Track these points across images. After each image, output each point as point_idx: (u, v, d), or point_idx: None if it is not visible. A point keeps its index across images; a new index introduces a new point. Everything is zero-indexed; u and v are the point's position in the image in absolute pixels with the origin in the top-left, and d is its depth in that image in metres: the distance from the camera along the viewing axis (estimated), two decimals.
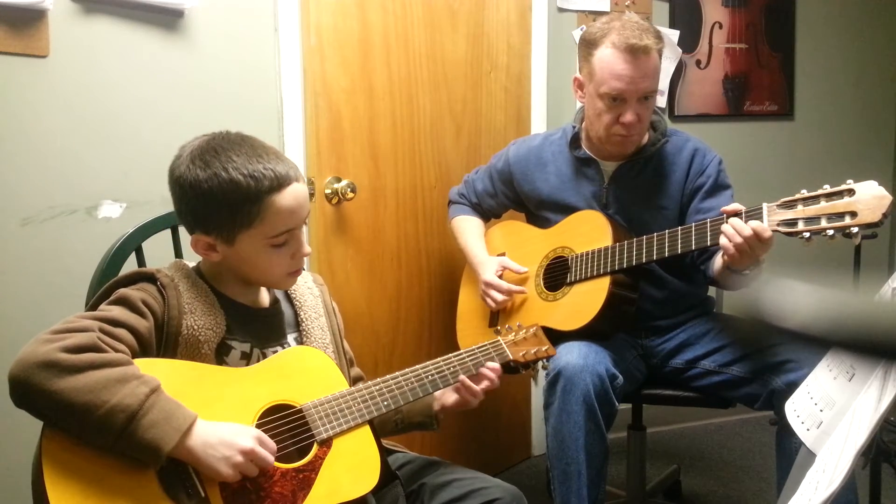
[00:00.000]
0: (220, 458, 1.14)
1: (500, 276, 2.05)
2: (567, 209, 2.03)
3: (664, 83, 2.94)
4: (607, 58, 1.85)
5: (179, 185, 1.27)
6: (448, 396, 1.50)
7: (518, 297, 2.03)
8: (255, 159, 1.26)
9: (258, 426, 1.23)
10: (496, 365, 1.49)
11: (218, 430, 1.16)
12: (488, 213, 2.26)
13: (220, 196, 1.23)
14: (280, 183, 1.26)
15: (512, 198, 2.19)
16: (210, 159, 1.25)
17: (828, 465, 0.86)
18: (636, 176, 1.98)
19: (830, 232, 1.51)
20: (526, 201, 2.15)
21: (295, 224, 1.30)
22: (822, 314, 0.56)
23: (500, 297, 2.02)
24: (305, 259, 2.11)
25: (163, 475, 1.13)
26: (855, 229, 1.49)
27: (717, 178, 1.95)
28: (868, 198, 1.49)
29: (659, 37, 1.88)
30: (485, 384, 1.47)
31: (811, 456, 0.95)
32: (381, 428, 1.50)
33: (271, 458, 1.19)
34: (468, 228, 2.22)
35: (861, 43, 3.26)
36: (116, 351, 1.15)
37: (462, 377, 1.45)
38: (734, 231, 1.61)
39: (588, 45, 1.90)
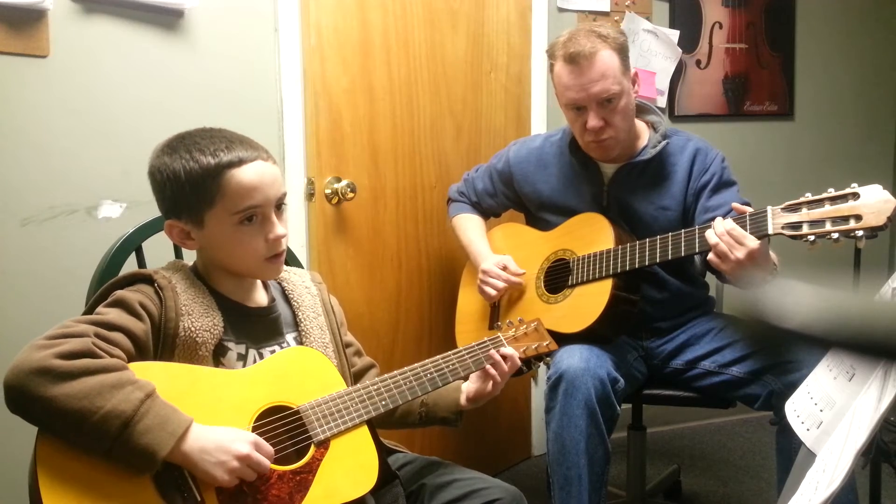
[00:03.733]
0: (216, 463, 1.14)
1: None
2: (567, 211, 2.02)
3: (663, 83, 2.94)
4: (558, 72, 1.90)
5: (150, 174, 1.31)
6: (469, 387, 1.50)
7: (519, 298, 2.03)
8: (219, 141, 1.28)
9: (255, 428, 1.23)
10: (514, 353, 1.49)
11: (214, 434, 1.15)
12: (488, 212, 2.26)
13: (183, 176, 1.26)
14: (241, 159, 1.27)
15: (512, 198, 2.19)
16: (176, 145, 1.29)
17: (828, 465, 0.86)
18: (637, 177, 1.98)
19: (835, 235, 1.51)
20: (526, 202, 2.15)
21: (260, 201, 1.28)
22: (822, 314, 0.56)
23: (500, 284, 2.01)
24: (304, 258, 2.12)
25: (158, 480, 1.13)
26: (860, 233, 1.49)
27: (721, 175, 1.95)
28: (873, 202, 1.49)
29: (608, 37, 1.86)
30: (508, 365, 1.48)
31: (811, 456, 0.95)
32: (404, 420, 1.50)
33: (268, 463, 1.18)
34: (469, 226, 2.21)
35: (861, 43, 3.26)
36: (112, 356, 1.15)
37: (492, 352, 1.45)
38: (715, 234, 1.63)
39: (549, 66, 1.95)
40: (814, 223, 1.54)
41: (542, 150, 2.11)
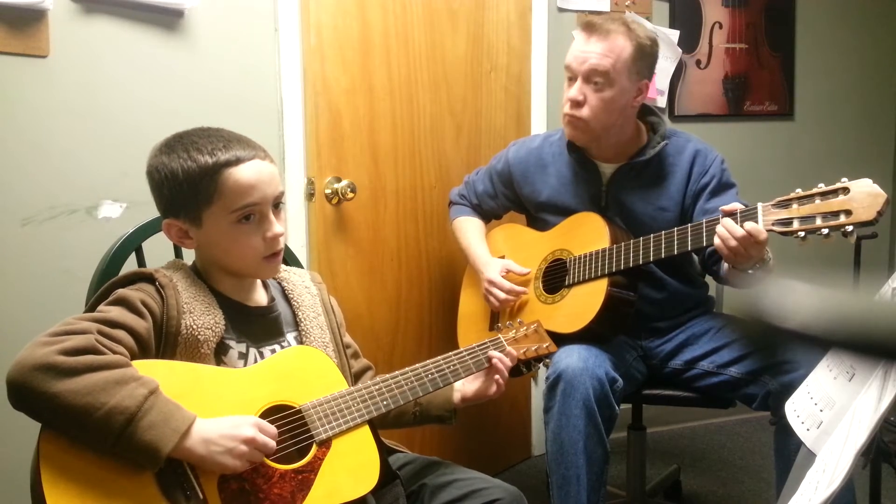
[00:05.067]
0: (224, 451, 1.14)
1: (504, 278, 2.05)
2: (566, 211, 2.02)
3: (663, 83, 2.94)
4: (574, 40, 1.91)
5: (148, 173, 1.31)
6: (468, 386, 1.51)
7: (518, 298, 2.03)
8: (216, 140, 1.29)
9: None
10: (513, 352, 1.52)
11: (217, 425, 1.16)
12: (489, 215, 2.26)
13: (181, 174, 1.26)
14: (238, 158, 1.27)
15: (512, 199, 2.19)
16: (174, 145, 1.29)
17: (828, 465, 0.86)
18: (635, 178, 1.98)
19: (825, 231, 1.51)
20: (526, 203, 2.15)
21: (257, 199, 1.28)
22: (822, 314, 0.56)
23: (502, 295, 2.01)
24: (304, 258, 2.12)
25: (160, 477, 1.13)
26: (850, 228, 1.49)
27: (721, 178, 1.95)
28: (863, 196, 1.48)
29: (634, 32, 1.85)
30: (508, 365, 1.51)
31: (811, 456, 0.95)
32: (399, 419, 1.51)
33: (273, 444, 1.19)
34: (470, 229, 2.21)
35: (861, 43, 3.26)
36: (115, 353, 1.15)
37: (492, 353, 1.48)
38: (727, 233, 1.62)
39: None
40: (804, 219, 1.54)
41: (541, 150, 2.11)
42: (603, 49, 1.84)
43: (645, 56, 1.89)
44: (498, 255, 2.14)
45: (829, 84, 3.23)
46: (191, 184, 1.26)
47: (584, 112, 1.89)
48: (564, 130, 1.99)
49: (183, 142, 1.29)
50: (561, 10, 2.76)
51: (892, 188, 3.35)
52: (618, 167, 1.98)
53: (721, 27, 3.05)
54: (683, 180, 1.96)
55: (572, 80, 1.90)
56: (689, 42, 2.99)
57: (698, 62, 3.03)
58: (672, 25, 2.95)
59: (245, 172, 1.27)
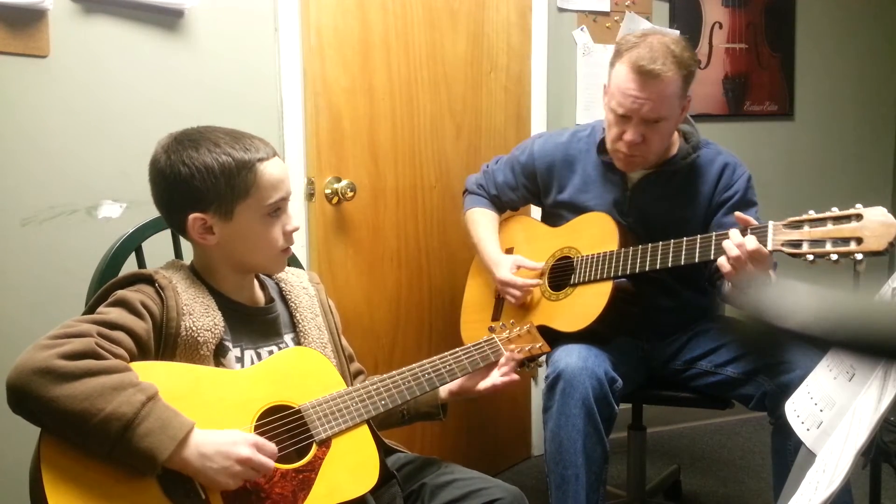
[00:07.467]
0: (219, 469, 1.14)
1: (515, 274, 2.03)
2: (586, 212, 2.00)
3: None
4: (620, 74, 1.82)
5: (171, 167, 1.28)
6: (454, 382, 1.52)
7: (532, 291, 2.02)
8: (236, 136, 1.32)
9: (257, 427, 1.23)
10: (505, 352, 1.55)
11: (214, 439, 1.15)
12: (506, 206, 2.22)
13: (217, 168, 1.27)
14: (267, 153, 1.32)
15: (533, 192, 2.15)
16: (196, 138, 1.30)
17: (828, 465, 0.86)
18: (661, 186, 1.95)
19: (834, 257, 1.49)
20: (546, 197, 2.13)
21: (285, 193, 1.34)
22: (822, 314, 0.56)
23: (519, 293, 1.99)
24: (304, 258, 2.12)
25: (163, 479, 1.13)
26: (859, 256, 1.47)
27: (744, 194, 1.93)
28: (875, 225, 1.46)
29: (681, 64, 1.80)
30: (507, 368, 1.55)
31: (811, 456, 0.95)
32: (388, 419, 1.51)
33: (271, 463, 1.18)
34: (483, 223, 2.18)
35: (861, 43, 3.26)
36: (115, 355, 1.15)
37: (506, 380, 1.51)
38: (732, 248, 1.61)
39: (614, 56, 1.87)
40: (814, 242, 1.52)
41: (568, 147, 2.07)
42: (659, 94, 1.78)
43: (690, 77, 1.85)
44: (510, 245, 2.13)
45: (829, 84, 3.23)
46: (228, 177, 1.28)
47: (644, 149, 1.86)
48: (615, 163, 1.94)
49: (206, 137, 1.30)
50: (561, 10, 2.76)
51: (892, 188, 3.35)
52: (645, 174, 1.96)
53: (721, 27, 3.05)
54: (709, 192, 1.94)
55: (625, 118, 1.83)
56: (689, 42, 2.99)
57: (698, 62, 3.03)
58: (672, 25, 2.95)
59: (274, 168, 1.32)
